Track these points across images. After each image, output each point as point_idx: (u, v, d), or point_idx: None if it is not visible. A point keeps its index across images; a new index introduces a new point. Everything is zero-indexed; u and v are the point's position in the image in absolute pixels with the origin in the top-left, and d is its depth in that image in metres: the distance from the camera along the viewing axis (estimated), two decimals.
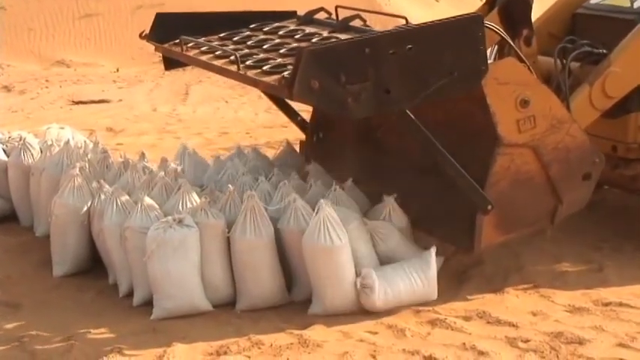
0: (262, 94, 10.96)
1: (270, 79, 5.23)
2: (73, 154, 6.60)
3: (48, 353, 4.83)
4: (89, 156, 6.62)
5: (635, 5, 6.18)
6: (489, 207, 5.21)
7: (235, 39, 6.37)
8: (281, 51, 5.81)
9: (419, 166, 5.85)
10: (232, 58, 5.63)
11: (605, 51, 5.85)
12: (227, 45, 6.23)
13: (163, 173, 6.16)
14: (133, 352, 4.84)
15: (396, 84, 4.84)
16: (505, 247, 6.21)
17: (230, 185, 5.81)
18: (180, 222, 5.33)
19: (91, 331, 5.10)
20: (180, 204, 5.63)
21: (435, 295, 5.35)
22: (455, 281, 5.61)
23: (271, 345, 4.88)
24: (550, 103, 5.34)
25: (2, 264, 6.13)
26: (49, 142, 6.94)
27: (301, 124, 7.14)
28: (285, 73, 4.98)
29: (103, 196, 5.80)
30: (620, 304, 5.34)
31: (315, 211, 5.30)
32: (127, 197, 5.70)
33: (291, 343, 4.90)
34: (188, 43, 6.30)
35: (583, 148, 5.44)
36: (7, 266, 6.09)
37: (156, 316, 5.27)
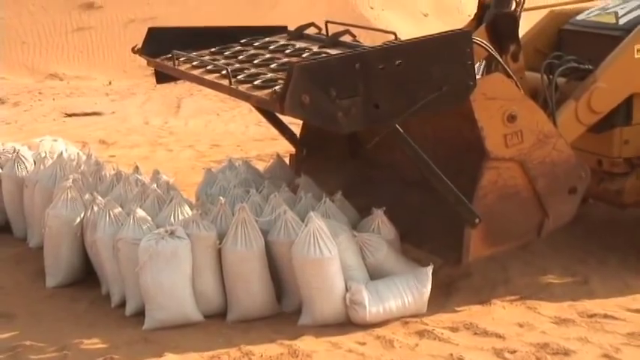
0: (253, 108, 10.96)
1: (262, 93, 5.22)
2: (66, 166, 6.61)
3: None
4: (82, 168, 6.61)
5: (621, 22, 6.19)
6: (477, 220, 5.22)
7: (226, 54, 6.37)
8: (272, 66, 5.81)
9: (408, 180, 5.86)
10: (224, 72, 5.62)
11: (590, 67, 5.86)
12: (218, 60, 6.22)
13: (155, 185, 6.17)
14: None
15: (386, 99, 4.83)
16: (492, 259, 6.21)
17: (221, 197, 5.81)
18: (172, 234, 5.33)
19: (84, 341, 5.09)
20: (173, 216, 5.63)
21: (424, 310, 5.35)
22: (443, 293, 5.61)
23: (262, 355, 4.88)
24: (537, 118, 5.35)
25: None
26: (43, 155, 6.94)
27: (291, 137, 7.12)
28: (277, 88, 4.97)
29: (96, 208, 5.79)
30: (605, 316, 5.35)
31: (305, 223, 5.30)
32: (120, 209, 5.70)
33: (281, 354, 4.90)
34: (180, 58, 6.28)
35: (569, 163, 5.45)
36: (1, 277, 6.08)
37: (148, 326, 5.26)
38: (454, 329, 5.21)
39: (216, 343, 5.03)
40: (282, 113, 4.92)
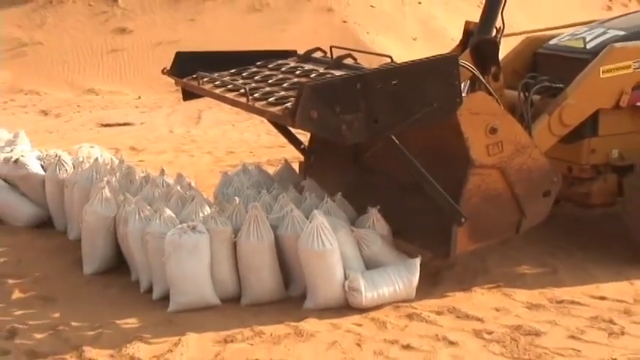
0: (265, 120, 10.97)
1: (276, 109, 5.25)
2: (101, 169, 6.62)
3: (79, 340, 4.85)
4: (115, 171, 6.63)
5: (588, 46, 6.19)
6: (463, 220, 5.23)
7: (244, 74, 6.39)
8: (284, 85, 5.83)
9: (401, 184, 5.88)
10: (242, 91, 5.66)
11: (562, 85, 5.87)
12: (237, 80, 6.24)
13: (179, 186, 6.19)
14: (152, 340, 4.85)
15: (383, 114, 4.87)
16: (474, 252, 6.23)
17: (236, 197, 5.83)
18: (193, 228, 5.34)
19: (117, 321, 5.11)
20: (194, 213, 5.65)
21: (413, 296, 5.36)
22: (429, 281, 5.61)
23: (271, 334, 4.90)
24: (515, 130, 5.36)
25: (40, 263, 6.13)
26: (81, 159, 6.96)
27: (300, 147, 7.13)
28: (289, 105, 5.01)
29: (127, 206, 5.81)
30: (572, 302, 5.36)
31: (310, 219, 5.32)
32: (148, 207, 5.72)
33: (288, 333, 4.92)
34: (204, 78, 6.31)
35: (543, 169, 5.46)
36: (44, 265, 6.09)
37: (172, 309, 5.28)
38: (439, 313, 5.22)
39: (231, 324, 5.05)
40: (294, 127, 4.95)
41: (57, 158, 7.04)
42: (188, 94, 6.84)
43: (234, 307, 5.32)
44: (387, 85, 4.88)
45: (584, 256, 6.19)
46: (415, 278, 5.37)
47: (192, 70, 6.49)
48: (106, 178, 6.22)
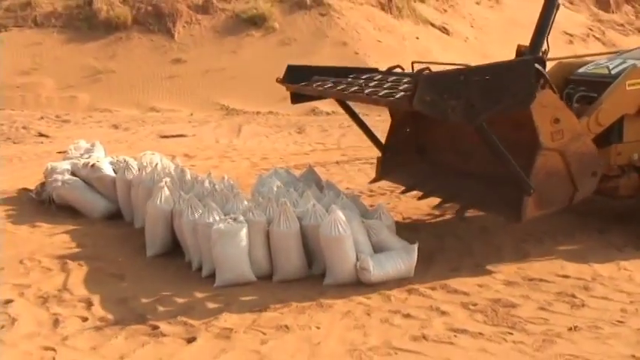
0: (292, 132, 10.92)
1: (392, 98, 5.34)
2: (160, 172, 6.64)
3: (143, 309, 4.87)
4: (172, 173, 6.65)
5: (613, 72, 6.29)
6: (532, 191, 5.30)
7: (344, 83, 6.35)
8: (384, 86, 5.85)
9: (460, 172, 6.17)
10: (356, 88, 5.84)
11: (596, 95, 6.03)
12: (341, 85, 6.25)
13: (223, 186, 6.19)
14: (202, 309, 4.87)
15: (478, 101, 4.94)
16: (459, 239, 6.22)
17: (270, 195, 5.83)
18: (234, 219, 5.35)
19: (173, 294, 5.13)
20: (235, 207, 5.65)
21: (412, 274, 5.35)
22: (425, 263, 5.59)
23: (297, 306, 4.90)
24: (573, 121, 5.49)
25: (111, 248, 6.15)
26: (144, 164, 6.99)
27: (378, 144, 7.17)
28: (407, 93, 5.11)
29: (181, 202, 5.83)
30: (541, 280, 5.33)
31: (328, 212, 5.32)
32: (199, 202, 5.72)
33: (311, 304, 4.92)
34: (317, 82, 6.40)
35: (592, 154, 5.58)
36: (115, 249, 6.12)
37: (217, 284, 5.28)
38: (433, 288, 5.20)
39: (265, 297, 5.05)
40: (411, 109, 5.00)
41: (125, 163, 7.09)
42: (297, 97, 6.88)
43: (267, 283, 5.32)
44: (482, 79, 4.97)
45: (552, 242, 6.17)
46: (414, 260, 5.35)
47: (299, 79, 6.59)
48: (164, 179, 6.24)
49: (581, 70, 6.72)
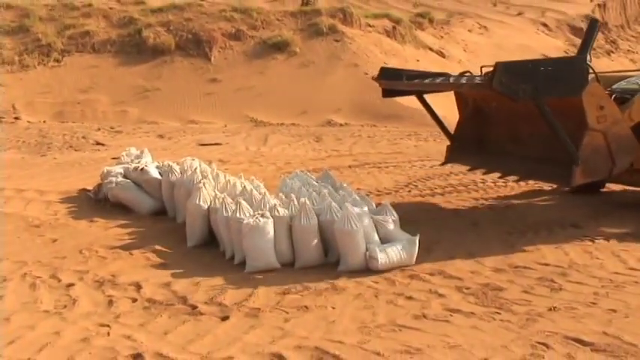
0: (312, 140, 10.86)
1: (474, 82, 5.80)
2: (199, 175, 6.65)
3: (184, 292, 4.86)
4: (208, 176, 6.65)
5: None
6: (579, 162, 5.60)
7: (429, 79, 6.65)
8: (461, 80, 6.15)
9: (516, 156, 6.51)
10: (442, 79, 6.30)
11: (629, 96, 6.19)
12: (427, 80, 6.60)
13: (252, 187, 6.18)
14: (234, 292, 4.86)
15: (542, 86, 5.31)
16: (454, 232, 6.19)
17: (292, 194, 5.82)
18: (262, 215, 5.34)
19: (210, 278, 5.12)
20: (262, 205, 5.64)
21: (413, 262, 5.32)
22: (425, 252, 5.55)
23: (314, 289, 4.88)
24: (614, 110, 5.79)
25: (157, 239, 6.14)
26: (185, 168, 7.00)
27: (448, 134, 7.41)
28: (488, 77, 5.37)
29: (217, 200, 5.83)
30: (525, 267, 5.28)
31: (342, 209, 5.30)
32: (231, 200, 5.72)
33: (327, 288, 4.90)
34: (409, 79, 6.73)
35: (629, 137, 5.86)
36: (160, 241, 6.11)
37: (247, 270, 5.27)
38: (431, 274, 5.17)
39: (288, 281, 5.03)
40: (490, 89, 5.35)
41: (169, 167, 7.10)
42: (388, 93, 7.17)
43: (290, 269, 5.30)
44: (546, 69, 5.36)
45: (534, 235, 6.12)
46: (415, 250, 5.32)
47: (392, 78, 6.89)
48: (202, 181, 6.24)
49: (614, 87, 6.77)
